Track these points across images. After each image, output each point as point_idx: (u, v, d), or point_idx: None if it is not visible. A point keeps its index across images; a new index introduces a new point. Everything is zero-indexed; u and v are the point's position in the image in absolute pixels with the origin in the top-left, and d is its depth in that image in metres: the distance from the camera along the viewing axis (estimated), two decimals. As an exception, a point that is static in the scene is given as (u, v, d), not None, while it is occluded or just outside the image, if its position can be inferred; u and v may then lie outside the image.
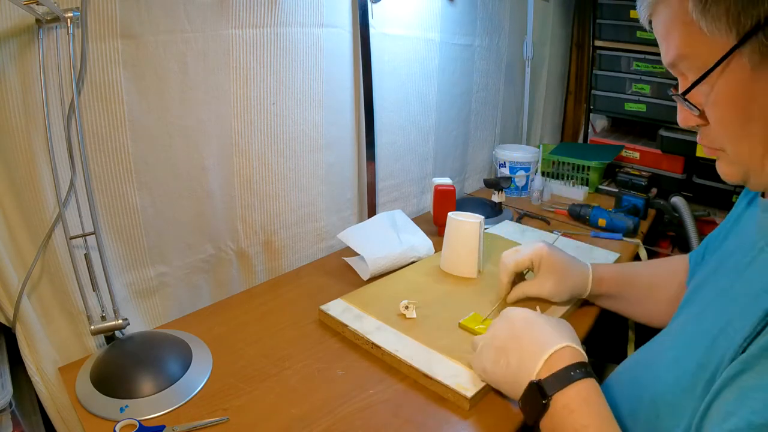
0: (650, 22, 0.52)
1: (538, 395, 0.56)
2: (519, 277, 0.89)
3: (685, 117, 0.52)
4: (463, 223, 1.00)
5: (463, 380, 0.70)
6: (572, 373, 0.55)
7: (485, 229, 1.24)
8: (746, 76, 0.44)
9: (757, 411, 0.38)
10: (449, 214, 1.03)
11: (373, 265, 1.00)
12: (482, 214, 1.38)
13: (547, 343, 0.59)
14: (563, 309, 0.87)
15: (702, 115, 0.50)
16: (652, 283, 0.83)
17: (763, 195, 0.55)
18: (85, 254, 0.75)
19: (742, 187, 0.55)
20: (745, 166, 0.50)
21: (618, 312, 0.88)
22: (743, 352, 0.42)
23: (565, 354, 0.58)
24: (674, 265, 0.82)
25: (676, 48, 0.48)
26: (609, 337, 1.20)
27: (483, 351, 0.68)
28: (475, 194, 1.58)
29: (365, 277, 1.02)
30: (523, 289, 0.86)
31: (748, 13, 0.42)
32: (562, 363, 0.57)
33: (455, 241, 1.01)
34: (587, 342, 0.87)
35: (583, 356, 0.59)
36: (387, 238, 1.08)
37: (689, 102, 0.50)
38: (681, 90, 0.50)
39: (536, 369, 0.58)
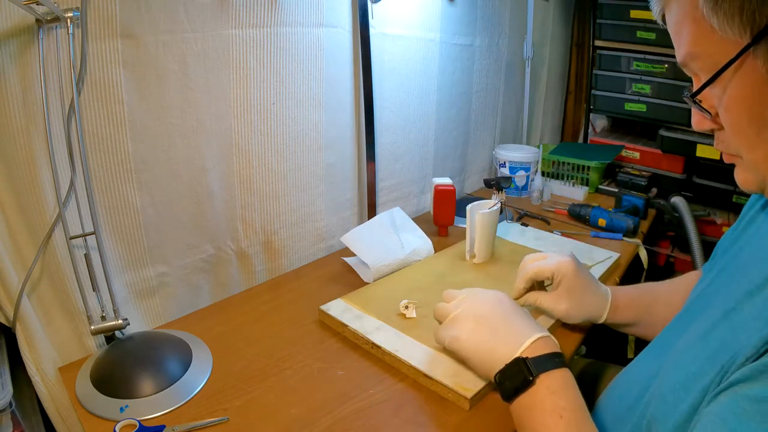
0: (664, 17, 0.49)
1: (524, 372, 0.58)
2: (538, 284, 0.85)
3: (698, 120, 0.49)
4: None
5: (463, 380, 0.70)
6: (555, 359, 0.59)
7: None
8: (760, 78, 0.41)
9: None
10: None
11: (377, 273, 1.01)
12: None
13: (532, 328, 0.64)
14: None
15: (715, 119, 0.47)
16: (672, 304, 0.76)
17: None
18: (85, 254, 0.75)
19: None
20: (762, 174, 0.46)
21: (638, 336, 0.83)
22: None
23: (549, 342, 0.62)
24: (692, 281, 0.75)
25: (687, 46, 0.45)
26: (609, 338, 1.20)
27: (458, 319, 0.69)
28: (475, 194, 1.58)
29: (366, 280, 1.02)
30: (536, 299, 0.82)
31: (764, 11, 0.39)
32: (545, 349, 0.60)
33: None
34: (587, 342, 0.87)
35: (560, 348, 0.63)
36: (389, 242, 1.07)
37: (700, 105, 0.47)
38: (692, 91, 0.47)
39: (521, 348, 0.60)
